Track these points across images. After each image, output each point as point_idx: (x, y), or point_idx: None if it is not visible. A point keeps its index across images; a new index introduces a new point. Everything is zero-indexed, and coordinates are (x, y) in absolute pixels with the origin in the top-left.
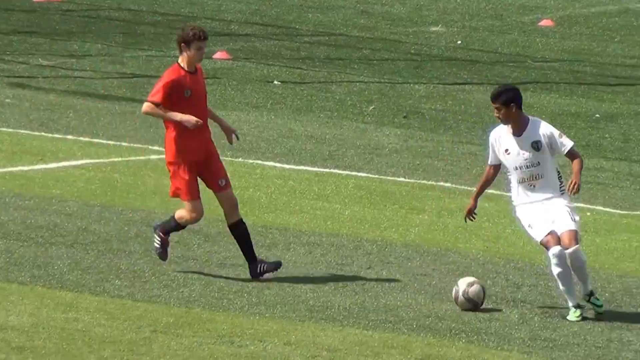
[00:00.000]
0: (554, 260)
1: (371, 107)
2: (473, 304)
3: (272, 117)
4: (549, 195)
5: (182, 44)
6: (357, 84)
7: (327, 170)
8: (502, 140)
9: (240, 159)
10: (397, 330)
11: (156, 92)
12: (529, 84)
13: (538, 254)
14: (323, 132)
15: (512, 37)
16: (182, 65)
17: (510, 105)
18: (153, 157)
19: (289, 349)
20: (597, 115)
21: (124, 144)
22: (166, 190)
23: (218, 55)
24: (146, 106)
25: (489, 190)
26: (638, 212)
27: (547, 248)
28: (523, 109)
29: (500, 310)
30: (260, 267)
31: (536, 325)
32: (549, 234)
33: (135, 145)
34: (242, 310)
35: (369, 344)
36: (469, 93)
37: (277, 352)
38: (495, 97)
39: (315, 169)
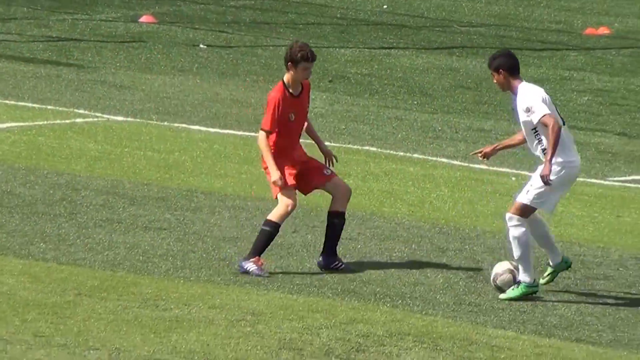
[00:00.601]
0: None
1: None
2: (501, 292)
3: (198, 81)
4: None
5: (289, 63)
6: (283, 48)
7: (252, 134)
8: None
9: (165, 123)
10: (322, 294)
11: (267, 120)
12: (455, 49)
13: (463, 218)
14: (249, 96)
15: (438, 1)
16: (286, 84)
17: (499, 71)
18: (78, 120)
19: (214, 313)
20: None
21: (49, 107)
22: (91, 154)
23: (144, 19)
24: (262, 137)
25: (415, 155)
26: None
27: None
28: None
29: (425, 275)
30: (336, 264)
31: (461, 289)
32: None
33: (60, 108)
34: (166, 273)
35: (293, 307)
36: (394, 57)
37: (201, 316)
38: (488, 64)
39: (241, 132)
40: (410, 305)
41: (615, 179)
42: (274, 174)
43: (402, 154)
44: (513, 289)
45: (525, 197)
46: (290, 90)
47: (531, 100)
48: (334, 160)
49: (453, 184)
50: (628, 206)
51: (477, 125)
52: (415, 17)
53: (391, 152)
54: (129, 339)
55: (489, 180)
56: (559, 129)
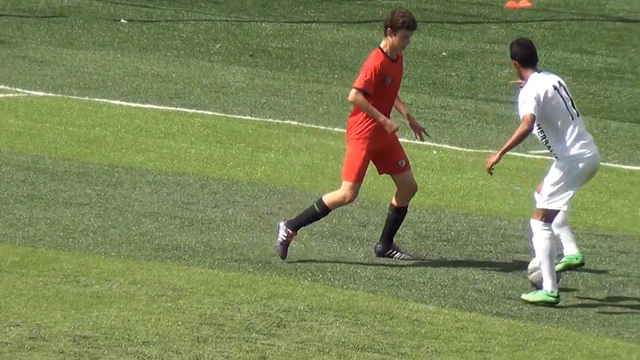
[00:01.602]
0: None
1: (218, 46)
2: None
3: (119, 55)
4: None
5: (389, 29)
6: (204, 22)
7: (173, 108)
8: None
9: (86, 98)
10: (243, 269)
11: (364, 80)
12: (376, 22)
13: (383, 192)
14: (169, 71)
15: None
16: (384, 50)
17: (513, 61)
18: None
19: (135, 288)
20: (444, 54)
21: None
22: (12, 129)
23: None
24: (355, 94)
25: (336, 128)
26: (484, 150)
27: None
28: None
29: (346, 249)
30: (392, 252)
31: (382, 263)
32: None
33: None
34: (87, 249)
35: (214, 282)
36: (315, 31)
37: (122, 291)
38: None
39: (162, 107)
40: (331, 279)
41: (537, 152)
42: (390, 123)
43: (323, 127)
44: (535, 293)
45: (541, 202)
46: (389, 55)
47: (526, 94)
48: (425, 134)
49: None
50: None
51: None
52: None
53: (312, 125)
54: (50, 315)
55: (411, 155)
56: (527, 132)
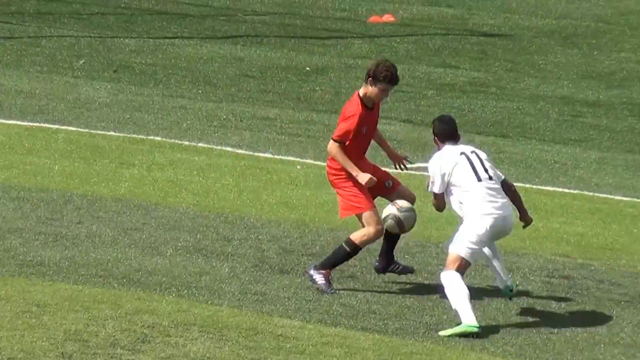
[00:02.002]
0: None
1: (81, 62)
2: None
3: None
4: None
5: (370, 78)
6: (67, 38)
7: (37, 124)
8: None
9: None
10: (108, 284)
11: (343, 131)
12: (240, 38)
13: (247, 207)
14: (33, 87)
15: None
16: (362, 98)
17: (433, 135)
18: None
19: None
20: (308, 69)
21: None
22: None
23: None
24: (334, 147)
25: (200, 144)
26: None
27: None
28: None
29: (210, 265)
30: (395, 267)
31: (246, 279)
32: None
33: None
34: None
35: (79, 298)
36: (178, 47)
37: None
38: None
39: (25, 123)
40: (196, 295)
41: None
42: (363, 177)
43: (187, 143)
44: (454, 328)
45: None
46: (366, 103)
47: (433, 170)
48: (406, 163)
49: (238, 173)
50: None
51: (262, 114)
52: (199, 6)
53: (176, 141)
54: None
55: (274, 169)
56: (439, 208)
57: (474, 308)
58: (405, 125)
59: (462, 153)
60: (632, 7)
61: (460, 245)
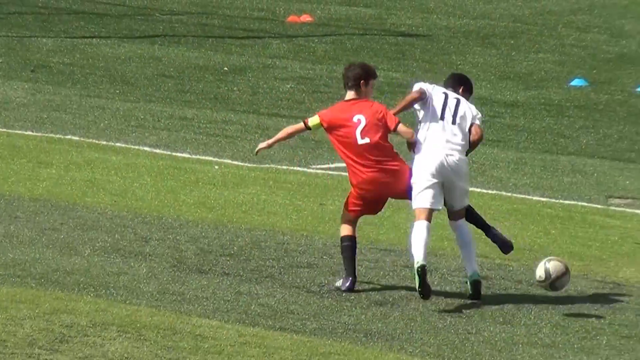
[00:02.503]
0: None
1: None
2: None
3: None
4: None
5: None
6: None
7: None
8: None
9: None
10: (25, 284)
11: (394, 111)
12: (157, 38)
13: (165, 207)
14: None
15: None
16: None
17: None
18: None
19: None
20: (226, 69)
21: None
22: None
23: None
24: (401, 127)
25: (118, 143)
26: (266, 165)
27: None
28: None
29: (128, 265)
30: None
31: (165, 279)
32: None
33: None
34: None
35: None
36: (96, 47)
37: None
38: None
39: None
40: (114, 294)
41: (319, 166)
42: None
43: (104, 142)
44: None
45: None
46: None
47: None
48: None
49: (156, 173)
50: (331, 194)
51: (180, 114)
52: (116, 6)
53: (94, 141)
54: None
55: (192, 169)
56: (415, 99)
57: (424, 249)
58: None
59: (444, 92)
60: (549, 7)
61: (413, 200)
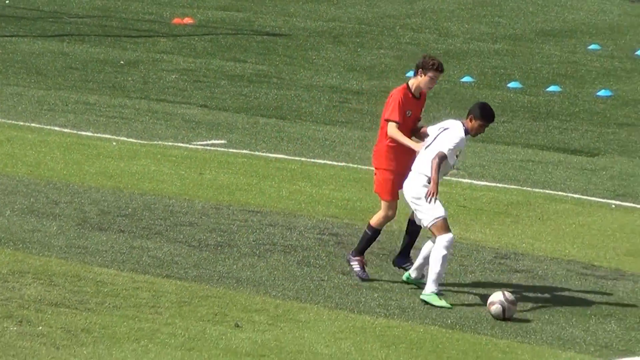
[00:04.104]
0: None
1: None
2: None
3: None
4: None
5: (420, 69)
6: None
7: None
8: None
9: None
10: None
11: (395, 112)
12: (65, 36)
13: (72, 176)
14: None
15: None
16: (410, 87)
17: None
18: None
19: None
20: (122, 62)
21: None
22: None
23: None
24: (390, 127)
25: (33, 124)
26: (154, 142)
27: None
28: None
29: (41, 223)
30: (406, 265)
31: (71, 235)
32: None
33: None
34: None
35: None
36: (15, 44)
37: None
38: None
39: None
40: (30, 248)
41: (198, 143)
42: (417, 146)
43: (22, 123)
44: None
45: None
46: (412, 92)
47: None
48: None
49: (64, 148)
50: (208, 165)
51: (84, 99)
52: (32, 10)
53: (13, 121)
54: None
55: (94, 145)
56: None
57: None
58: (202, 109)
59: (439, 128)
60: (389, 12)
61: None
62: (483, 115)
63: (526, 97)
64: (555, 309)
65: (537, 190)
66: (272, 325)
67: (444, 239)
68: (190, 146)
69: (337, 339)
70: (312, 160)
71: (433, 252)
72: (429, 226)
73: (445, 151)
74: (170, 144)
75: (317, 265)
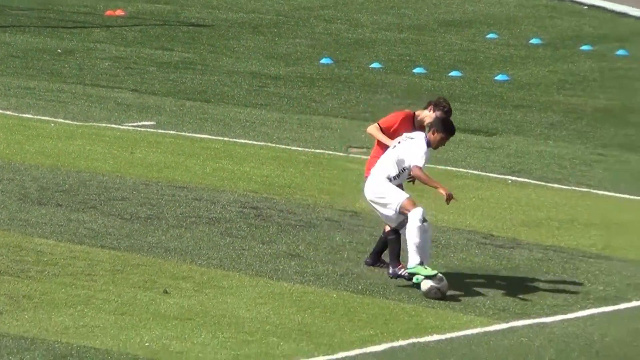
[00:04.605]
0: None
1: None
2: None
3: None
4: None
5: (432, 106)
6: None
7: None
8: None
9: None
10: None
11: (388, 121)
12: (7, 27)
13: (14, 155)
14: None
15: None
16: (416, 117)
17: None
18: None
19: None
20: (59, 51)
21: None
22: None
23: None
24: (374, 127)
25: None
26: (91, 123)
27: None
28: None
29: None
30: (380, 264)
31: (13, 208)
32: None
33: None
34: None
35: None
36: None
37: None
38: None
39: None
40: None
41: (130, 124)
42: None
43: None
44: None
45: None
46: (415, 123)
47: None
48: None
49: (7, 129)
50: (139, 145)
51: (24, 85)
52: None
53: None
54: None
55: (34, 126)
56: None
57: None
58: (133, 94)
59: (405, 136)
60: (304, 4)
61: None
62: (445, 128)
63: (430, 81)
64: (456, 275)
65: (439, 167)
66: (197, 291)
67: (415, 212)
68: (122, 127)
69: (257, 304)
70: (234, 140)
71: (408, 227)
72: (398, 209)
73: (421, 165)
74: (103, 125)
75: (239, 236)
